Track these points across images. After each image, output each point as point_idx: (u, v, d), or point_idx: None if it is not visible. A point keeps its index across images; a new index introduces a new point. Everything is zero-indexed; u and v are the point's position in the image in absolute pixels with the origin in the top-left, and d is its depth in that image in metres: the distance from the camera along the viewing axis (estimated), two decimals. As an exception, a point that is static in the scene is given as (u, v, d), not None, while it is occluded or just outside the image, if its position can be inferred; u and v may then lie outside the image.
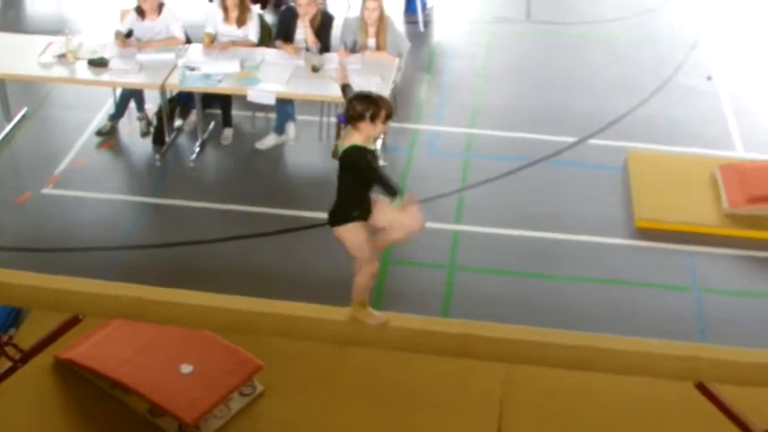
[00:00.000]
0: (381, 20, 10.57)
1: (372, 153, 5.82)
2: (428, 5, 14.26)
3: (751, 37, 14.34)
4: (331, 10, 11.34)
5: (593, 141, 11.26)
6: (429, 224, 9.50)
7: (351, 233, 6.01)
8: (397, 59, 10.62)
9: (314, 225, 9.44)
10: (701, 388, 6.43)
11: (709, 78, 12.96)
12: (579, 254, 9.47)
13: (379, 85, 10.00)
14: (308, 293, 7.37)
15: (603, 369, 6.48)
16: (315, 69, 10.22)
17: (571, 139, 11.21)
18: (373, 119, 5.74)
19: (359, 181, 5.87)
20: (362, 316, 6.26)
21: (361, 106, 5.74)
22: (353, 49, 10.62)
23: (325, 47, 10.61)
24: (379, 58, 10.54)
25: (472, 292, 8.89)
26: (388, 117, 5.83)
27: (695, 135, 11.53)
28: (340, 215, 5.98)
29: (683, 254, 9.48)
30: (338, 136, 5.98)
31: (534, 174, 10.62)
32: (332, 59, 10.41)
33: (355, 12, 11.19)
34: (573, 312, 8.62)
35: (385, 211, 5.96)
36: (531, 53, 13.48)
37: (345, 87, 6.23)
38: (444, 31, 13.86)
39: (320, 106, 10.87)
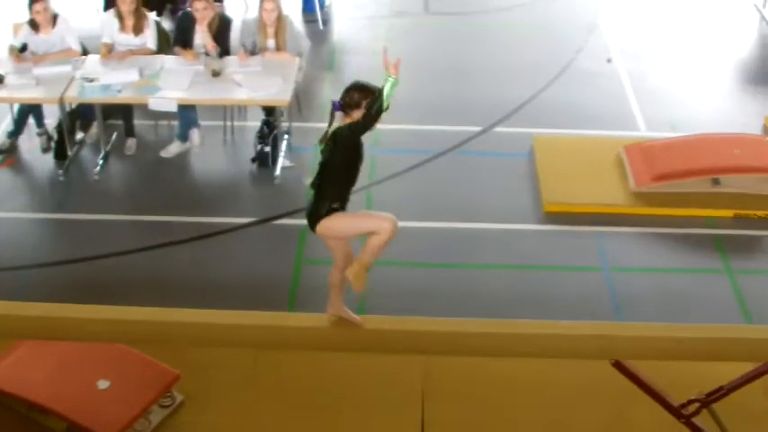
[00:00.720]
0: (280, 20, 10.52)
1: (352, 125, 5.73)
2: (326, 3, 14.24)
3: (647, 18, 14.55)
4: (228, 13, 11.27)
5: (498, 129, 11.34)
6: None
7: (336, 222, 5.91)
8: (297, 59, 10.58)
9: (224, 230, 9.40)
10: (618, 365, 6.51)
11: (608, 61, 13.13)
12: (490, 242, 9.52)
13: (281, 86, 9.97)
14: (222, 299, 7.34)
15: (520, 354, 6.56)
16: (215, 74, 10.15)
17: (476, 129, 11.27)
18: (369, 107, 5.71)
19: (346, 162, 5.84)
20: (362, 276, 6.08)
21: (359, 95, 5.80)
22: (253, 51, 10.55)
23: (224, 50, 10.55)
24: (280, 59, 10.50)
25: (386, 286, 8.86)
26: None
27: (598, 117, 11.67)
28: (320, 212, 5.86)
29: (593, 235, 9.59)
30: (330, 123, 5.89)
31: (441, 165, 10.66)
32: (232, 63, 10.36)
33: (253, 13, 11.13)
34: (487, 300, 8.66)
35: (367, 220, 6.00)
36: (431, 45, 13.52)
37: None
38: (344, 28, 13.86)
39: (223, 110, 10.80)
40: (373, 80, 11.90)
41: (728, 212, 10.04)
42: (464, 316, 6.56)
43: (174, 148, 10.69)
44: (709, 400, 6.73)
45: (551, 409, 7.46)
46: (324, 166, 5.85)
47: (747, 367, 6.69)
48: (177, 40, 10.71)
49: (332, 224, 5.90)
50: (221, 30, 10.60)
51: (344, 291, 6.25)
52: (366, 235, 6.00)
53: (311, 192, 5.93)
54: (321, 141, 5.89)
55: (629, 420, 7.36)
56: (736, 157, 10.25)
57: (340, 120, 5.86)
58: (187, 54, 10.47)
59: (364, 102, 5.75)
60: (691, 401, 6.79)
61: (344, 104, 5.82)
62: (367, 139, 10.91)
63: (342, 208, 5.90)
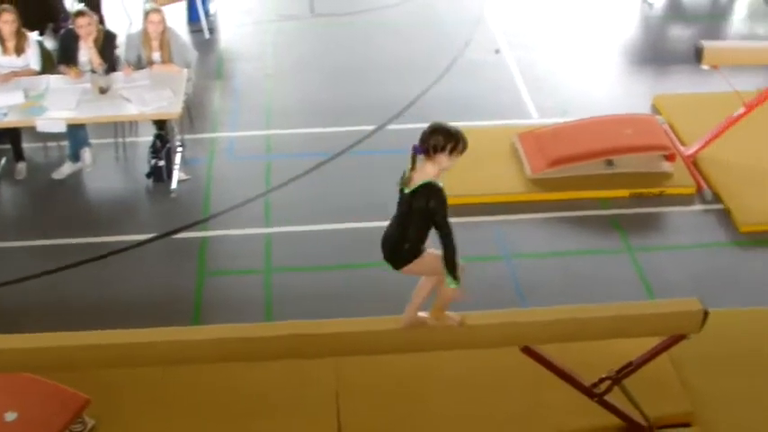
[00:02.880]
0: (164, 32, 10.41)
1: (444, 201, 5.76)
2: (211, 12, 14.13)
3: (532, 7, 14.71)
4: (112, 27, 11.12)
5: (391, 127, 11.36)
6: (239, 231, 9.56)
7: (421, 264, 6.01)
8: (185, 70, 10.48)
9: (123, 249, 9.29)
10: (527, 351, 6.56)
11: (496, 51, 13.24)
12: (392, 239, 9.52)
13: (171, 99, 9.87)
14: (127, 319, 7.25)
15: (429, 348, 6.57)
16: (102, 91, 10.00)
17: (370, 128, 11.28)
18: (452, 151, 5.72)
19: (427, 223, 5.83)
20: (442, 319, 6.24)
21: (445, 138, 5.71)
22: (139, 65, 10.44)
23: (110, 67, 10.39)
24: (167, 71, 10.38)
25: (292, 291, 8.86)
26: (463, 150, 5.80)
27: (490, 108, 11.76)
28: (407, 255, 5.97)
29: (493, 224, 9.67)
30: (413, 167, 5.82)
31: (338, 166, 10.66)
32: (119, 79, 10.22)
33: (137, 27, 11.01)
34: (392, 297, 8.64)
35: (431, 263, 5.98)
36: (319, 47, 13.50)
37: None
38: (230, 36, 13.77)
39: (113, 127, 10.66)
40: (261, 85, 11.89)
41: (624, 192, 10.19)
42: (371, 315, 6.56)
43: (65, 169, 10.51)
44: (620, 376, 6.80)
45: (466, 400, 7.52)
46: (414, 213, 5.84)
47: (654, 342, 6.78)
48: (61, 58, 10.52)
49: (417, 266, 6.03)
50: (106, 46, 10.45)
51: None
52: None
53: (394, 227, 6.03)
54: (404, 184, 5.88)
55: (543, 404, 7.44)
56: (627, 138, 10.40)
57: (422, 163, 5.81)
58: (72, 72, 10.29)
59: (449, 145, 5.72)
60: (602, 380, 6.86)
61: (429, 147, 5.75)
62: (260, 145, 10.95)
63: (423, 249, 5.96)
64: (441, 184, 5.78)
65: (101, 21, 11.10)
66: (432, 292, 6.27)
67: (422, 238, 5.92)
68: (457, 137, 5.76)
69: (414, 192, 5.78)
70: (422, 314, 6.30)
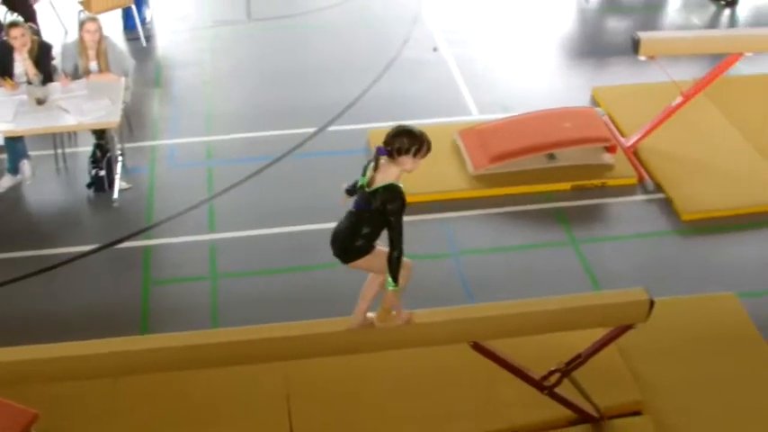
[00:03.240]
0: (101, 41, 10.32)
1: (403, 203, 5.78)
2: (147, 19, 14.04)
3: (468, 4, 14.75)
4: (48, 38, 11.01)
5: (332, 128, 11.36)
6: (183, 238, 9.50)
7: (371, 261, 6.04)
8: (123, 79, 10.40)
9: (66, 261, 9.20)
10: (477, 347, 6.57)
11: (435, 50, 13.27)
12: (338, 241, 9.51)
13: (109, 108, 9.80)
14: (73, 331, 7.17)
15: (378, 348, 6.57)
16: (40, 102, 9.89)
17: (311, 130, 11.26)
18: (416, 153, 5.75)
19: (382, 222, 5.85)
20: (390, 320, 6.21)
21: (409, 140, 5.74)
22: (76, 75, 10.34)
23: (47, 77, 10.29)
24: (105, 80, 10.30)
25: (239, 297, 8.83)
26: (427, 152, 5.83)
27: (431, 106, 11.79)
28: (358, 251, 6.00)
29: (439, 222, 9.69)
30: (375, 168, 5.80)
31: (280, 170, 10.63)
32: (56, 89, 10.12)
33: (73, 36, 10.91)
34: (343, 299, 8.63)
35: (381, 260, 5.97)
36: (257, 51, 13.45)
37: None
38: (167, 43, 13.68)
39: (52, 138, 10.56)
40: (200, 91, 11.81)
41: (566, 185, 10.26)
42: (320, 317, 6.54)
43: (5, 183, 10.38)
44: (569, 369, 6.83)
45: (418, 398, 7.53)
46: (372, 212, 5.87)
47: (602, 332, 6.82)
48: (-4, 71, 10.43)
49: (367, 262, 6.05)
50: (42, 56, 10.34)
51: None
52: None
53: (348, 222, 6.01)
54: (367, 185, 5.87)
55: (495, 399, 7.48)
56: (567, 131, 10.47)
57: (386, 164, 5.82)
58: (6, 84, 10.17)
59: (413, 147, 5.75)
60: (551, 373, 6.89)
61: (393, 150, 5.76)
62: (201, 151, 10.88)
63: (374, 246, 6.00)
64: (401, 186, 5.80)
65: (36, 32, 10.97)
66: (379, 291, 6.27)
67: (375, 236, 5.96)
68: (421, 139, 5.80)
69: (375, 192, 5.80)
70: (370, 315, 6.30)
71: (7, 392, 7.03)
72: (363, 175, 5.95)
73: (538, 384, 6.94)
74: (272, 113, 11.73)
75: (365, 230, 5.91)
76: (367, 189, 5.87)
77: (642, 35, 9.92)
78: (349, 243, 5.99)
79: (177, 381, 7.42)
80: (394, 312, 6.20)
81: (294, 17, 14.30)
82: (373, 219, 5.88)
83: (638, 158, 10.65)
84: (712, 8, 14.85)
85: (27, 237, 9.68)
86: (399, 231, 5.79)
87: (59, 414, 7.25)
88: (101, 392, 7.46)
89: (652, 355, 7.90)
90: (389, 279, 5.88)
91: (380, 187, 5.78)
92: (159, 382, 7.39)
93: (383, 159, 5.83)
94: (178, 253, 9.43)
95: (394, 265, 5.82)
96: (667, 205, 10.05)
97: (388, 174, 5.79)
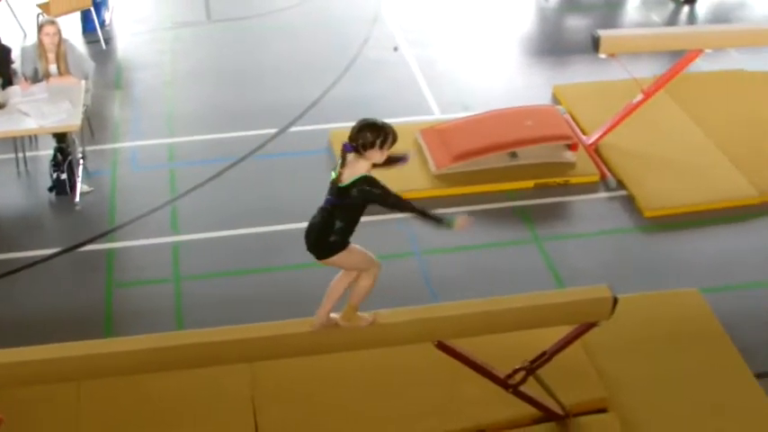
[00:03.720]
0: (60, 44, 10.26)
1: (386, 186, 5.82)
2: (106, 21, 13.96)
3: (428, 3, 14.78)
4: (6, 41, 10.92)
5: (293, 129, 11.34)
6: (146, 241, 9.46)
7: (348, 257, 6.01)
8: (83, 81, 10.34)
9: (28, 265, 9.14)
10: (441, 346, 6.58)
11: (395, 49, 13.28)
12: (300, 241, 9.47)
13: (70, 111, 9.74)
14: (35, 335, 7.13)
15: (343, 348, 6.56)
16: (0, 106, 9.84)
17: (272, 131, 11.24)
18: (382, 146, 5.76)
19: (361, 212, 5.89)
20: (355, 320, 6.25)
21: (373, 134, 5.75)
22: (35, 79, 10.27)
23: (6, 81, 10.23)
24: (65, 83, 10.23)
25: (203, 299, 8.80)
26: (393, 142, 5.84)
27: (392, 105, 11.77)
28: (334, 246, 5.96)
29: (401, 221, 9.67)
30: (343, 164, 5.81)
31: (242, 171, 10.60)
32: (16, 93, 10.04)
33: (31, 40, 10.84)
34: (304, 299, 8.62)
35: (366, 258, 6.07)
36: (217, 52, 13.41)
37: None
38: (127, 45, 13.60)
39: (13, 142, 10.48)
40: (161, 92, 11.75)
41: (528, 183, 10.29)
42: (284, 318, 6.52)
43: (-34, 187, 10.31)
44: (534, 366, 6.85)
45: (383, 398, 7.55)
46: (344, 207, 5.88)
47: (566, 330, 6.84)
48: (-46, 75, 10.34)
49: (341, 258, 6.02)
50: (0, 60, 10.26)
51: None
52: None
53: (320, 218, 5.99)
54: (336, 181, 5.86)
55: (460, 398, 7.49)
56: (529, 129, 10.50)
57: (353, 159, 5.81)
58: (-33, 89, 10.12)
59: (378, 140, 5.76)
60: (516, 371, 6.90)
61: (360, 145, 5.76)
62: (163, 153, 10.83)
63: (348, 242, 6.00)
64: (370, 174, 5.83)
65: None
66: (344, 292, 6.27)
67: (349, 231, 5.96)
68: (386, 130, 5.82)
69: (347, 186, 5.81)
70: (333, 315, 6.29)
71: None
72: (333, 171, 5.95)
73: (503, 383, 6.96)
74: (234, 114, 11.70)
75: (338, 225, 5.90)
76: (339, 184, 5.86)
77: (602, 33, 9.97)
78: (323, 239, 5.98)
79: (142, 383, 7.38)
80: (359, 313, 6.22)
81: (254, 18, 14.27)
82: (346, 212, 5.89)
83: (600, 156, 10.70)
84: (671, 5, 14.94)
85: (-14, 241, 9.62)
86: (402, 201, 5.89)
87: (24, 418, 7.22)
88: (65, 396, 7.41)
89: (617, 352, 7.94)
90: (447, 222, 6.02)
91: (354, 181, 5.78)
92: (124, 385, 7.36)
93: (350, 156, 5.83)
94: (141, 255, 9.39)
95: (430, 218, 5.99)
96: (630, 202, 10.11)
97: (357, 168, 5.80)
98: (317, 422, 7.37)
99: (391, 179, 9.87)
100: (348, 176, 5.80)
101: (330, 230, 5.92)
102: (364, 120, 5.88)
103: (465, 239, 9.42)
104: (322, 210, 6.00)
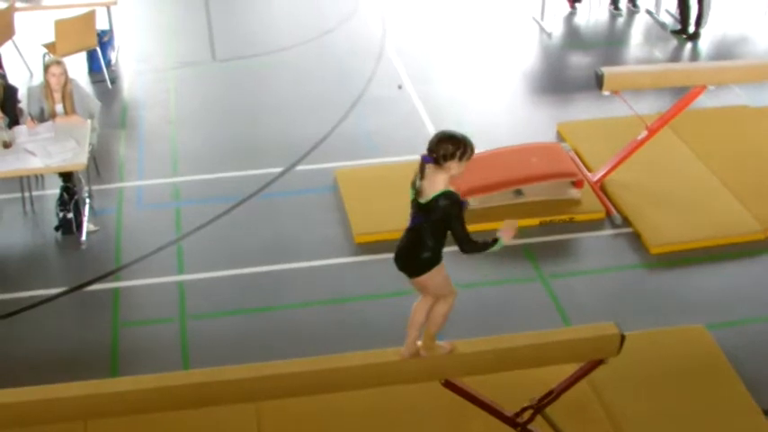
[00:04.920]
0: (66, 84, 10.31)
1: (461, 206, 5.93)
2: (112, 61, 14.02)
3: (432, 41, 14.83)
4: (13, 81, 10.97)
5: (300, 167, 11.35)
6: (152, 280, 9.46)
7: (437, 276, 6.16)
8: (89, 121, 10.39)
9: (33, 304, 9.14)
10: (448, 384, 6.57)
11: (399, 87, 13.31)
12: (306, 279, 9.52)
13: (76, 150, 9.77)
14: (40, 376, 7.14)
15: (350, 387, 6.55)
16: (6, 145, 9.85)
17: (278, 170, 11.26)
18: (461, 157, 5.86)
19: (446, 228, 5.97)
20: (435, 349, 6.41)
21: (453, 146, 5.85)
22: (41, 118, 10.32)
23: (13, 120, 10.26)
24: (71, 123, 10.28)
25: (208, 338, 8.78)
26: (471, 155, 5.95)
27: (396, 143, 11.79)
28: (428, 264, 6.10)
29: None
30: (422, 176, 5.93)
31: (248, 210, 10.61)
32: (22, 132, 10.09)
33: (38, 79, 10.88)
34: (311, 337, 8.67)
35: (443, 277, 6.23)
36: (222, 91, 13.44)
37: None
38: (133, 84, 13.65)
39: (19, 182, 10.51)
40: (166, 132, 11.79)
41: (534, 221, 10.28)
42: (290, 357, 6.52)
43: (-25, 226, 10.32)
44: (542, 405, 6.85)
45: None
46: (431, 223, 6.01)
47: (573, 368, 6.83)
48: (-39, 115, 10.38)
49: (425, 280, 6.22)
50: (7, 99, 10.32)
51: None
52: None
53: (409, 239, 6.16)
54: (417, 195, 6.01)
55: (466, 437, 7.46)
56: (533, 166, 10.51)
57: (432, 172, 5.92)
58: (-27, 128, 10.14)
59: (458, 152, 5.86)
60: (524, 409, 6.90)
61: (438, 157, 5.85)
62: (168, 192, 10.84)
63: (441, 258, 6.16)
64: (455, 191, 5.93)
65: (1, 75, 10.93)
66: (425, 320, 6.38)
67: (441, 245, 6.09)
68: (465, 142, 5.93)
69: (430, 202, 5.92)
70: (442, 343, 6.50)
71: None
72: (412, 188, 5.98)
73: (510, 421, 6.95)
74: (239, 153, 11.72)
75: (430, 243, 6.03)
76: (421, 201, 5.94)
77: (605, 70, 9.99)
78: (416, 257, 6.09)
79: (149, 423, 7.36)
80: (438, 342, 6.38)
81: (259, 57, 14.32)
82: (434, 227, 6.01)
83: (605, 193, 10.70)
84: (674, 42, 14.99)
85: (-7, 280, 9.62)
86: (466, 232, 5.97)
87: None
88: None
89: (623, 389, 7.92)
90: (499, 243, 6.10)
91: (437, 196, 5.88)
92: (131, 424, 7.34)
93: (429, 168, 5.87)
94: (147, 294, 9.39)
95: (483, 246, 6.08)
96: (635, 239, 10.10)
97: (437, 181, 5.90)
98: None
99: (398, 217, 9.92)
100: (430, 191, 5.90)
101: (423, 248, 6.05)
102: (443, 131, 6.01)
103: (471, 277, 9.41)
104: (410, 230, 6.13)
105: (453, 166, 5.90)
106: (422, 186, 5.96)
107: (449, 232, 6.05)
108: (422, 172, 5.93)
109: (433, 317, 6.38)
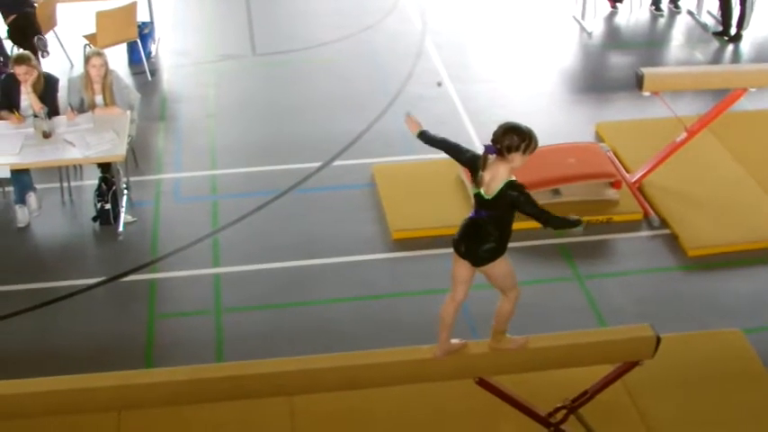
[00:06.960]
0: (106, 75, 10.36)
1: (530, 194, 5.92)
2: (152, 54, 14.09)
3: (471, 38, 14.81)
4: (53, 71, 11.02)
5: (337, 163, 11.36)
6: (188, 272, 9.49)
7: (501, 266, 6.13)
8: (128, 112, 10.43)
9: (70, 294, 9.19)
10: (482, 383, 6.56)
11: (438, 84, 13.28)
12: (342, 275, 9.52)
13: (115, 141, 9.82)
14: (75, 365, 7.17)
15: (385, 383, 6.56)
16: (46, 135, 9.91)
17: (316, 165, 11.27)
18: (525, 150, 5.87)
19: (513, 215, 5.98)
20: (505, 343, 6.40)
21: (519, 137, 5.85)
22: (81, 109, 10.37)
23: (53, 111, 10.31)
24: (110, 114, 10.33)
25: (243, 331, 8.81)
26: (535, 149, 5.96)
27: (434, 140, 11.74)
28: (494, 253, 6.06)
29: (442, 257, 9.58)
30: (484, 167, 5.92)
31: (285, 204, 10.62)
32: (62, 123, 10.14)
33: (78, 70, 10.92)
34: (346, 333, 8.66)
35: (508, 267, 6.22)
36: (261, 86, 13.46)
37: (422, 133, 6.67)
38: (172, 77, 13.70)
39: (58, 171, 10.57)
40: (204, 125, 11.80)
41: (571, 220, 10.23)
42: (324, 352, 6.54)
43: (23, 216, 10.32)
44: (575, 405, 6.83)
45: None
46: (496, 216, 5.98)
47: (608, 369, 6.80)
48: (2, 104, 10.42)
49: (491, 269, 6.16)
50: (48, 90, 10.37)
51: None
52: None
53: (473, 231, 6.10)
54: (478, 186, 5.98)
55: (499, 436, 7.45)
56: (572, 166, 10.47)
57: (494, 163, 5.90)
58: (13, 118, 10.19)
59: (523, 144, 5.86)
60: (557, 409, 6.88)
61: (505, 148, 5.85)
62: (205, 185, 10.86)
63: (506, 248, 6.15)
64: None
65: (3, 63, 10.93)
66: (454, 320, 6.40)
67: (506, 237, 6.08)
68: (530, 135, 5.94)
69: (495, 197, 5.90)
70: (455, 341, 6.44)
71: (10, 426, 7.01)
72: (473, 180, 5.98)
73: (544, 421, 6.93)
74: (276, 147, 11.74)
75: (494, 233, 6.01)
76: (487, 197, 5.93)
77: (646, 71, 9.93)
78: (480, 248, 6.06)
79: (182, 414, 7.39)
80: (508, 335, 6.38)
81: (298, 52, 14.33)
82: (499, 219, 5.99)
83: (643, 194, 10.65)
84: (715, 43, 14.88)
85: (32, 269, 9.67)
86: (541, 210, 5.93)
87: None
88: (105, 426, 7.42)
89: (658, 392, 7.87)
90: (573, 226, 6.02)
91: (503, 187, 5.86)
92: (164, 415, 7.37)
93: (491, 158, 5.86)
94: (183, 287, 9.43)
95: (562, 223, 6.02)
96: (673, 241, 10.04)
97: (499, 172, 5.88)
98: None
99: (435, 215, 9.97)
100: (493, 183, 5.88)
101: (487, 239, 6.02)
102: (509, 123, 5.98)
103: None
104: (474, 221, 6.08)
105: (517, 158, 5.86)
106: (482, 177, 5.92)
107: (512, 221, 6.05)
108: (484, 162, 5.89)
109: (498, 316, 6.37)
